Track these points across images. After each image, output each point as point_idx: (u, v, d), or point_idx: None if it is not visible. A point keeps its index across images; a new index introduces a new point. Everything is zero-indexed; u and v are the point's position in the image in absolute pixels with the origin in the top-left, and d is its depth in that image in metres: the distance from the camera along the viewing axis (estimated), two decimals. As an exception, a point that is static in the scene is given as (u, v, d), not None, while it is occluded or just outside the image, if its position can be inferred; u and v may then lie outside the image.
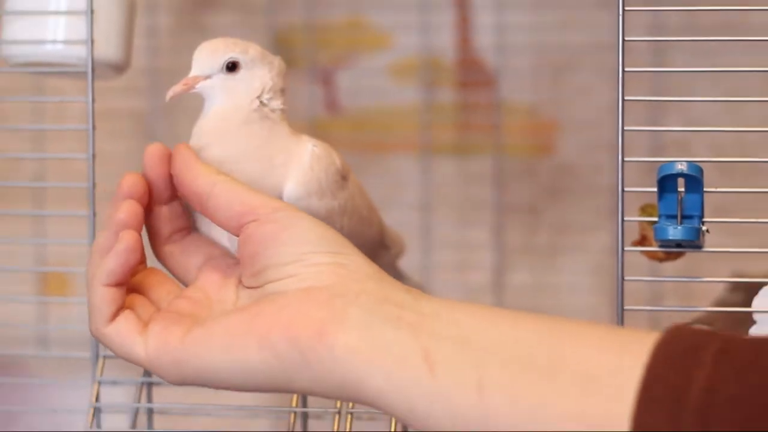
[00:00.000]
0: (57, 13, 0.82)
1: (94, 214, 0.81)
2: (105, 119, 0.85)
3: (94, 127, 0.81)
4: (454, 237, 1.21)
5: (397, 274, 0.91)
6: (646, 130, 1.08)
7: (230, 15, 1.22)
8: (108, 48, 0.83)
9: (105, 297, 0.59)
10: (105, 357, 0.82)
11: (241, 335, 0.55)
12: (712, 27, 1.07)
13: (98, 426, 0.80)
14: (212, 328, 0.57)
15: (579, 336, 0.50)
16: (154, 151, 0.63)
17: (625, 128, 0.70)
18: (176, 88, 0.70)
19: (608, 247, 1.15)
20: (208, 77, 0.71)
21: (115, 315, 0.60)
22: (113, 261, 0.59)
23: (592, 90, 1.18)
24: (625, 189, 0.70)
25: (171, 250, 0.66)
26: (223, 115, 0.70)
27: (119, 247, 0.59)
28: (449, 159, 1.21)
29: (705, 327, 0.50)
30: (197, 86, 0.70)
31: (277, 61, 0.74)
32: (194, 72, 0.71)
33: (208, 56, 0.71)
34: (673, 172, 0.68)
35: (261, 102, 0.71)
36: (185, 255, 0.65)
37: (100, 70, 0.83)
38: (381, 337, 0.52)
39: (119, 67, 0.85)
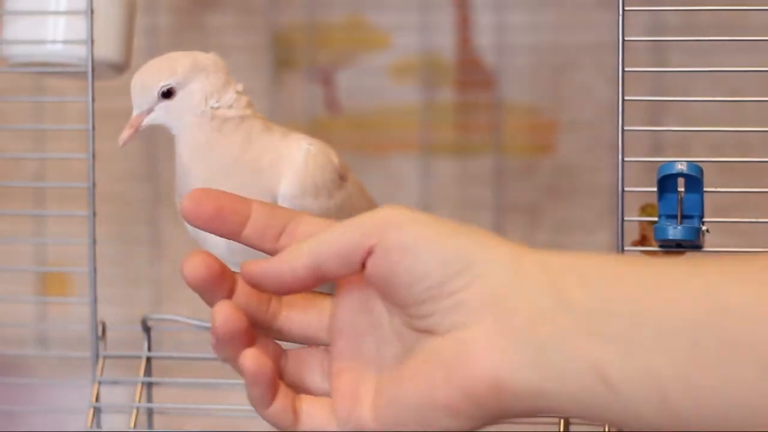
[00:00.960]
0: (57, 13, 0.82)
1: (94, 214, 0.81)
2: (105, 119, 0.85)
3: (94, 127, 0.81)
4: (454, 237, 1.20)
5: None
6: (646, 130, 1.08)
7: (230, 15, 1.22)
8: (108, 48, 0.83)
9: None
10: (105, 357, 0.82)
11: (428, 410, 0.51)
12: (712, 27, 1.07)
13: (98, 426, 0.80)
14: (396, 406, 0.52)
15: (739, 305, 0.45)
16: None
17: (625, 128, 0.70)
18: (124, 135, 0.70)
19: (608, 247, 1.15)
20: (150, 110, 0.71)
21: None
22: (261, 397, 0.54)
23: (592, 90, 1.18)
24: (625, 189, 0.70)
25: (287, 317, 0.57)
26: (192, 134, 0.70)
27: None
28: (449, 159, 1.21)
29: None
30: (144, 122, 0.71)
31: (209, 61, 0.72)
32: (135, 111, 0.71)
33: (140, 92, 0.71)
34: (673, 172, 0.68)
35: (211, 108, 0.70)
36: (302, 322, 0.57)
37: (100, 70, 0.83)
38: (554, 368, 0.48)
39: (119, 67, 0.85)
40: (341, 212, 0.74)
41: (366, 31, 1.22)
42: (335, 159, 0.74)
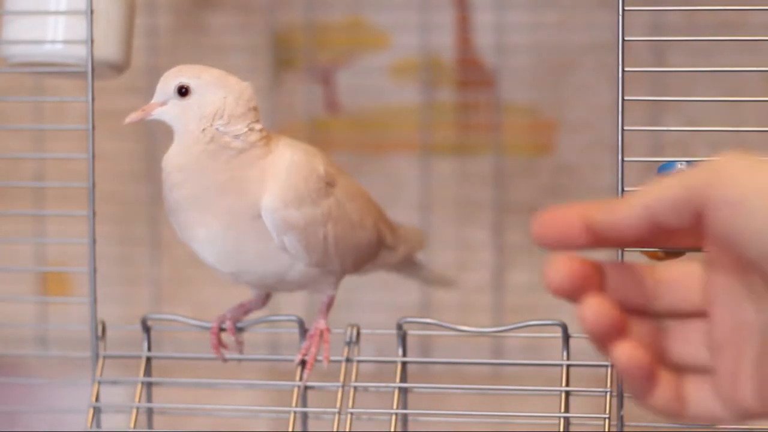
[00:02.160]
0: (57, 13, 0.82)
1: (94, 214, 0.81)
2: (105, 119, 0.85)
3: (94, 127, 0.81)
4: (454, 237, 1.20)
5: (415, 269, 0.91)
6: (646, 129, 1.08)
7: (230, 15, 1.22)
8: (108, 48, 0.83)
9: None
10: (105, 357, 0.82)
11: None
12: (712, 27, 1.07)
13: (98, 426, 0.80)
14: None
15: None
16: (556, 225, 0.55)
17: (625, 128, 0.70)
18: (133, 115, 0.71)
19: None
20: (163, 103, 0.71)
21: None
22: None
23: (592, 90, 1.18)
24: (625, 189, 0.70)
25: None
26: (184, 151, 0.71)
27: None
28: (449, 159, 1.21)
29: None
30: (154, 113, 0.71)
31: (238, 86, 0.72)
32: (154, 99, 0.72)
33: (162, 83, 0.72)
34: (673, 171, 0.68)
35: (217, 129, 0.70)
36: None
37: (100, 70, 0.83)
38: None
39: (119, 67, 0.85)
40: (329, 220, 0.74)
41: (366, 31, 1.21)
42: (320, 167, 0.74)
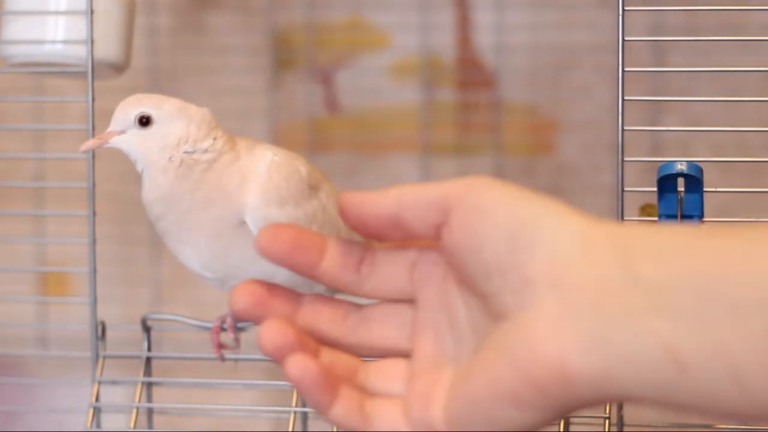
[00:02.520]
0: (57, 13, 0.82)
1: (94, 214, 0.81)
2: (105, 119, 0.85)
3: (94, 127, 0.81)
4: (454, 237, 1.20)
5: None
6: (646, 130, 1.08)
7: (230, 15, 1.22)
8: (108, 48, 0.83)
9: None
10: (105, 357, 0.82)
11: (493, 402, 0.50)
12: (712, 27, 1.07)
13: (98, 426, 0.80)
14: (465, 402, 0.51)
15: None
16: (278, 242, 0.55)
17: (625, 128, 0.70)
18: (89, 143, 0.71)
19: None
20: (122, 132, 0.71)
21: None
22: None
23: (592, 90, 1.18)
24: (625, 189, 0.70)
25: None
26: (158, 182, 0.70)
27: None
28: (449, 159, 1.21)
29: None
30: (111, 141, 0.71)
31: (199, 114, 0.72)
32: (110, 127, 0.71)
33: (121, 111, 0.71)
34: (673, 172, 0.68)
35: (184, 153, 0.71)
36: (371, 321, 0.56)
37: (100, 70, 0.83)
38: (620, 350, 0.46)
39: (119, 67, 0.85)
40: (312, 223, 0.73)
41: (366, 31, 1.21)
42: (303, 169, 0.74)
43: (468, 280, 0.51)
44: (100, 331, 0.82)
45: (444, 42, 1.20)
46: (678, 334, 0.45)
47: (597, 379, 0.47)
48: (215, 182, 0.70)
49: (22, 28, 0.83)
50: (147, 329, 0.82)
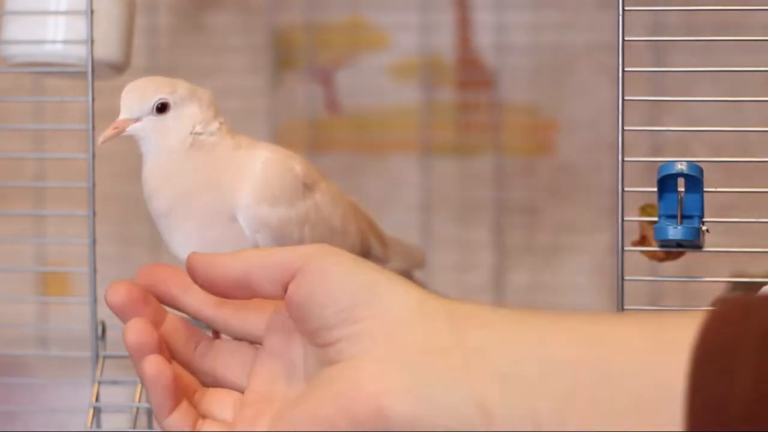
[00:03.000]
0: (57, 13, 0.82)
1: (94, 214, 0.81)
2: (105, 119, 0.84)
3: (94, 127, 0.81)
4: (454, 237, 1.21)
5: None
6: (646, 130, 1.08)
7: (230, 15, 1.22)
8: (108, 48, 0.83)
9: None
10: (105, 357, 0.82)
11: (311, 425, 0.55)
12: (712, 27, 1.07)
13: (98, 426, 0.80)
14: (283, 423, 0.56)
15: (620, 346, 0.50)
16: (147, 276, 0.61)
17: (625, 128, 0.70)
18: (107, 133, 0.70)
19: (608, 247, 1.15)
20: (137, 120, 0.70)
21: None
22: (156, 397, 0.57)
23: (592, 90, 1.18)
24: (625, 189, 0.70)
25: (214, 351, 0.62)
26: (162, 160, 0.70)
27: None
28: (449, 159, 1.21)
29: (745, 300, 0.50)
30: (128, 129, 0.70)
31: (206, 95, 0.73)
32: (123, 115, 0.70)
33: (136, 98, 0.70)
34: (673, 172, 0.68)
35: (196, 135, 0.71)
36: (229, 353, 0.62)
37: (100, 70, 0.83)
38: (436, 399, 0.52)
39: (119, 67, 0.85)
40: (306, 222, 0.73)
41: (366, 31, 1.22)
42: (299, 168, 0.73)
43: (309, 331, 0.57)
44: (100, 331, 0.82)
45: (444, 42, 1.20)
46: (490, 392, 0.51)
47: (411, 420, 0.52)
48: (213, 169, 0.71)
49: (22, 28, 0.83)
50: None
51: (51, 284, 1.25)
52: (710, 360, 0.47)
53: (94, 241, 0.82)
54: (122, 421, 0.84)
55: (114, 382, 0.83)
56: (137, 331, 0.56)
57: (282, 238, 0.72)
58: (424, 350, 0.53)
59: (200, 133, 0.71)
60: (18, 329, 1.15)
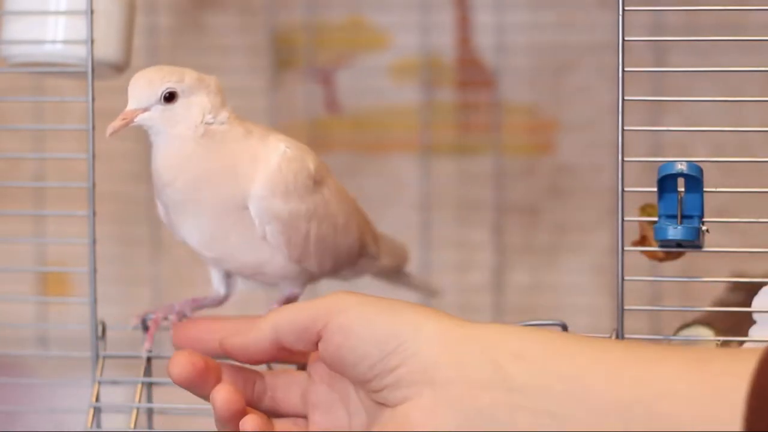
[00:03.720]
0: (57, 13, 0.82)
1: (94, 214, 0.81)
2: (105, 119, 0.84)
3: (94, 127, 0.81)
4: (454, 237, 1.21)
5: (399, 279, 0.91)
6: (646, 130, 1.08)
7: (230, 15, 1.22)
8: (108, 48, 0.83)
9: None
10: (105, 357, 0.82)
11: None
12: (712, 27, 1.07)
13: (98, 426, 0.80)
14: None
15: (669, 390, 0.50)
16: (184, 338, 0.67)
17: (625, 128, 0.70)
18: (115, 124, 0.70)
19: (608, 247, 1.15)
20: (146, 110, 0.70)
21: None
22: None
23: (592, 90, 1.18)
24: (625, 189, 0.70)
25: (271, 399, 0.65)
26: (173, 150, 0.70)
27: None
28: (449, 159, 1.21)
29: None
30: (136, 119, 0.70)
31: (213, 82, 0.73)
32: (131, 105, 0.70)
33: (144, 88, 0.70)
34: (673, 172, 0.68)
35: (208, 124, 0.71)
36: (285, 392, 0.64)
37: (100, 70, 0.83)
38: None
39: (119, 67, 0.85)
40: (313, 218, 0.74)
41: (366, 31, 1.22)
42: (311, 164, 0.74)
43: (351, 381, 0.59)
44: (100, 331, 0.82)
45: (444, 42, 1.20)
46: (539, 429, 0.52)
47: None
48: (227, 158, 0.71)
49: (22, 28, 0.83)
50: (147, 329, 0.82)
51: (51, 284, 1.25)
52: (765, 407, 0.47)
53: (94, 241, 0.82)
54: (122, 421, 0.84)
55: (114, 382, 0.83)
56: (229, 398, 0.59)
57: (290, 231, 0.72)
58: (467, 387, 0.54)
59: (211, 123, 0.71)
60: (18, 329, 1.15)
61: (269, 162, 0.71)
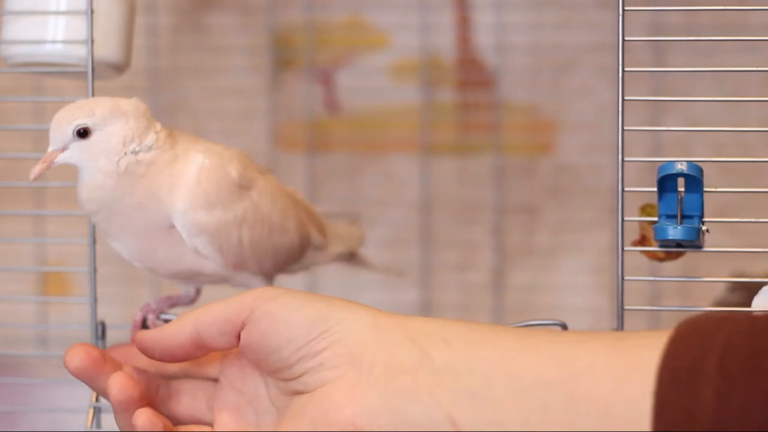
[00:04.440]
0: (57, 13, 0.82)
1: (94, 214, 0.81)
2: (105, 119, 0.84)
3: (94, 127, 0.81)
4: (454, 237, 1.20)
5: (357, 263, 0.90)
6: (646, 130, 1.08)
7: (230, 15, 1.22)
8: (108, 48, 0.83)
9: None
10: (105, 357, 0.82)
11: None
12: (712, 27, 1.07)
13: (98, 426, 0.80)
14: None
15: (588, 367, 0.51)
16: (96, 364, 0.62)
17: (625, 128, 0.70)
18: (36, 169, 0.70)
19: (608, 247, 1.15)
20: (64, 149, 0.70)
21: None
22: None
23: (592, 90, 1.18)
24: (625, 189, 0.70)
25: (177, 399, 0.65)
26: (95, 184, 0.70)
27: None
28: (449, 159, 1.21)
29: (708, 318, 0.51)
30: (57, 160, 0.70)
31: (131, 107, 0.71)
32: (51, 147, 0.70)
33: (56, 129, 0.70)
34: (673, 171, 0.68)
35: (132, 154, 0.70)
36: (190, 395, 0.65)
37: (100, 70, 0.83)
38: (408, 416, 0.54)
39: (119, 67, 0.85)
40: (243, 223, 0.73)
41: (366, 31, 1.22)
42: (234, 171, 0.73)
43: (269, 371, 0.59)
44: (100, 331, 0.82)
45: (444, 42, 1.20)
46: (459, 408, 0.53)
47: None
48: (149, 188, 0.70)
49: (22, 28, 0.83)
50: (147, 329, 0.82)
51: (51, 284, 1.25)
52: (674, 381, 0.48)
53: (94, 241, 0.82)
54: (122, 421, 0.84)
55: (114, 382, 0.83)
56: (121, 386, 0.59)
57: (220, 240, 0.72)
58: (391, 369, 0.55)
59: (137, 151, 0.70)
60: (18, 329, 1.15)
61: (188, 177, 0.71)
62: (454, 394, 0.53)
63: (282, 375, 0.58)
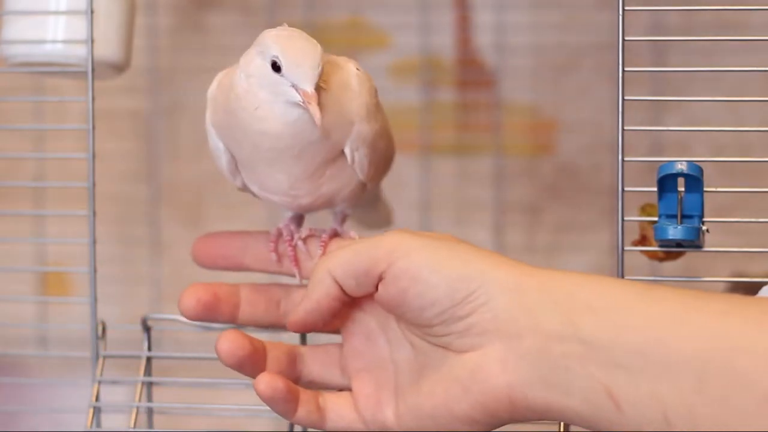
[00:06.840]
0: (57, 13, 0.82)
1: (94, 214, 0.81)
2: (105, 119, 0.85)
3: (94, 127, 0.81)
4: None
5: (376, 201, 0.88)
6: (646, 130, 1.08)
7: (230, 15, 1.22)
8: (108, 48, 0.83)
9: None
10: (105, 357, 0.82)
11: (447, 420, 0.56)
12: (712, 27, 1.07)
13: (98, 426, 0.80)
14: (417, 414, 0.58)
15: (748, 345, 0.49)
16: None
17: (625, 128, 0.70)
18: (317, 114, 0.65)
19: (608, 247, 1.15)
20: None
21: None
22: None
23: (592, 90, 1.18)
24: (625, 189, 0.70)
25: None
26: (292, 116, 0.68)
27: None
28: (449, 159, 1.21)
29: None
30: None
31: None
32: (310, 87, 0.68)
33: (316, 67, 0.69)
34: (673, 171, 0.68)
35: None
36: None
37: (100, 70, 0.83)
38: (564, 385, 0.53)
39: (119, 67, 0.85)
40: (383, 134, 0.73)
41: (366, 31, 1.21)
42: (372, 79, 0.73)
43: (409, 325, 0.58)
44: (100, 331, 0.82)
45: (444, 42, 1.20)
46: (616, 380, 0.51)
47: (541, 408, 0.54)
48: (334, 99, 0.69)
49: (22, 28, 0.83)
50: (147, 329, 0.82)
51: (51, 284, 1.25)
52: None
53: (94, 241, 0.82)
54: (122, 420, 0.84)
55: (114, 382, 0.83)
56: (231, 347, 0.60)
57: (372, 152, 0.71)
58: (539, 339, 0.53)
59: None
60: (18, 329, 1.15)
61: (351, 85, 0.71)
62: (609, 367, 0.51)
63: (423, 330, 0.57)
